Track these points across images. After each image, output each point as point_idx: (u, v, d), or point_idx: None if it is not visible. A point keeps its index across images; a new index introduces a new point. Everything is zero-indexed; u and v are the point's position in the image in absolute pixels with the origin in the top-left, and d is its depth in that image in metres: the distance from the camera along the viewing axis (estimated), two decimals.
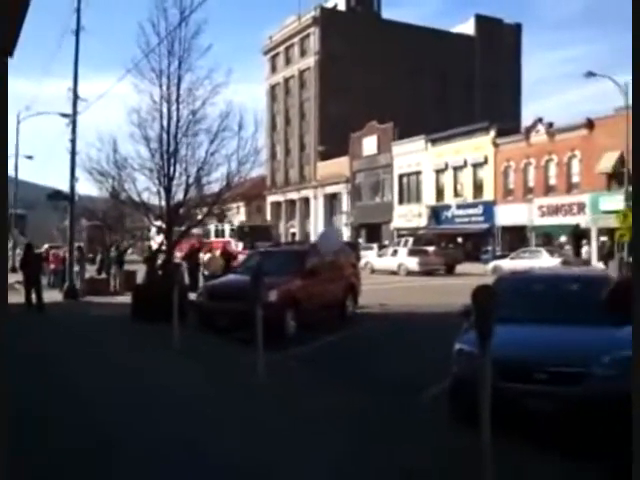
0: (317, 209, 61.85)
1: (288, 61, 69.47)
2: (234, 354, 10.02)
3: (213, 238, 39.98)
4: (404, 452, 5.43)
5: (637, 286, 3.30)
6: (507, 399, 5.66)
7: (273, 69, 72.11)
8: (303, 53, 66.62)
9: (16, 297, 18.94)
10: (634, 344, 3.04)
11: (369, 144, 53.79)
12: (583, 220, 35.85)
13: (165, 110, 15.05)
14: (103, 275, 23.81)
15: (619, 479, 4.73)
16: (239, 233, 41.28)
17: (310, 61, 64.88)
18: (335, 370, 9.16)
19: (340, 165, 56.97)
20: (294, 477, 4.94)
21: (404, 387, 7.85)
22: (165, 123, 15.06)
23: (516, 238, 39.64)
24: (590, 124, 35.35)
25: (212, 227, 41.40)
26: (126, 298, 16.87)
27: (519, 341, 6.21)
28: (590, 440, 5.65)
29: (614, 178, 33.61)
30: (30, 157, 41.91)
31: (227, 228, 42.14)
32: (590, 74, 30.68)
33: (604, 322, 6.36)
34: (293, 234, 64.41)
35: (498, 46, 68.45)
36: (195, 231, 23.87)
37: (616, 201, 30.59)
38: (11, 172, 42.65)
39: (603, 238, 34.48)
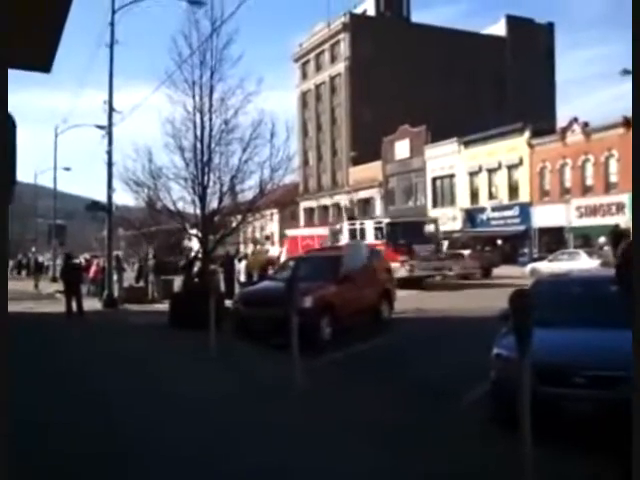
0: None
1: (318, 67, 69.75)
2: (270, 360, 10.08)
3: (347, 239, 28.81)
4: (445, 457, 5.40)
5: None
6: (545, 403, 5.60)
7: (304, 76, 72.48)
8: (333, 59, 66.81)
9: (57, 306, 19.42)
10: (634, 343, 2.98)
11: (401, 148, 53.63)
12: (622, 220, 35.08)
13: (198, 120, 15.28)
14: (141, 283, 24.20)
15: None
16: (389, 233, 27.28)
17: (340, 67, 65.03)
18: (370, 375, 9.16)
19: (372, 170, 56.91)
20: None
21: (442, 393, 7.80)
22: (199, 133, 15.28)
23: (554, 240, 39.01)
24: (627, 122, 34.60)
25: (345, 226, 32.05)
26: (164, 306, 17.12)
27: (557, 345, 6.14)
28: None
29: None
30: (68, 169, 42.97)
31: (370, 226, 29.15)
32: (626, 72, 30.09)
33: None
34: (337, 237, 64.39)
35: (530, 46, 67.57)
36: (317, 231, 23.86)
37: None
38: (50, 183, 43.77)
39: None
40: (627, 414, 5.48)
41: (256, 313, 12.16)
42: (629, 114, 28.62)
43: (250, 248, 33.53)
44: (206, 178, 15.30)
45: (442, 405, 7.22)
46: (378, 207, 56.87)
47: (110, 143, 20.75)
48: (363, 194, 59.44)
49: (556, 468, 4.88)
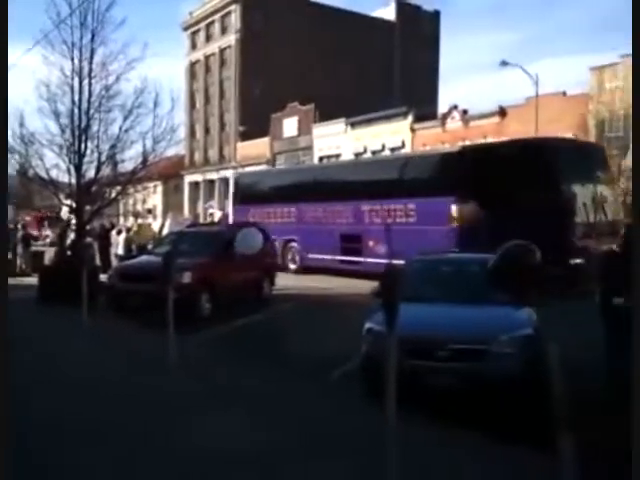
0: None
1: (209, 38, 68.05)
2: (144, 337, 9.84)
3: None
4: (312, 424, 5.54)
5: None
6: (412, 376, 5.87)
7: (193, 46, 70.46)
8: (224, 30, 65.41)
9: None
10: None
11: (290, 125, 53.64)
12: None
13: (76, 84, 14.47)
14: (9, 255, 22.74)
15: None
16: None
17: (231, 39, 63.81)
18: (247, 350, 9.19)
19: (261, 146, 56.57)
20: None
21: (315, 366, 7.97)
22: (76, 98, 14.48)
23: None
24: (502, 112, 36.65)
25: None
26: (33, 280, 16.21)
27: (425, 320, 6.44)
28: (493, 417, 5.95)
29: None
30: None
31: None
32: (504, 63, 31.78)
33: (505, 303, 6.69)
34: (212, 214, 63.46)
35: (417, 32, 69.58)
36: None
37: None
38: None
39: None
40: (488, 385, 5.88)
41: (132, 288, 11.81)
42: (505, 104, 29.72)
43: (131, 221, 32.42)
44: (83, 146, 14.56)
45: (312, 377, 7.39)
46: None
47: None
48: (251, 170, 58.94)
49: (418, 439, 5.11)
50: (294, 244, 21.99)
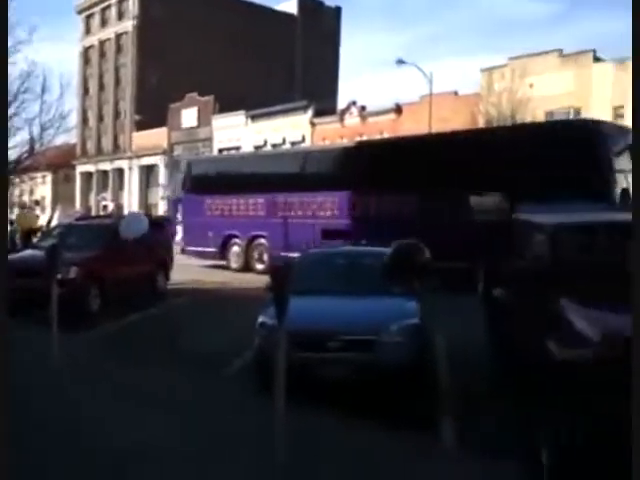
0: (132, 181, 59.37)
1: (104, 23, 65.33)
2: (28, 336, 9.30)
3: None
4: (205, 420, 5.46)
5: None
6: (304, 368, 5.92)
7: (87, 30, 67.42)
8: (121, 16, 63.04)
9: None
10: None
11: (189, 116, 52.56)
12: None
13: None
14: None
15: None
16: None
17: (128, 25, 61.62)
18: (140, 347, 8.93)
19: (158, 136, 55.05)
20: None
21: (209, 361, 7.86)
22: None
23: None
24: (398, 109, 37.66)
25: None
26: None
27: (317, 312, 6.52)
28: (385, 404, 6.10)
29: None
30: None
31: None
32: (400, 61, 32.64)
33: (394, 293, 6.90)
34: (105, 207, 61.20)
35: (318, 27, 70.12)
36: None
37: None
38: None
39: None
40: (380, 374, 6.01)
41: (14, 284, 11.12)
42: (401, 101, 30.44)
43: (16, 213, 30.65)
44: None
45: (206, 373, 7.29)
46: (162, 175, 55.33)
47: None
48: (146, 161, 57.35)
49: (307, 430, 5.16)
50: (262, 241, 19.25)
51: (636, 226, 3.42)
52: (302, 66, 68.69)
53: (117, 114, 63.59)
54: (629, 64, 27.81)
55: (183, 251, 21.44)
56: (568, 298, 4.85)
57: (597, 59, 29.37)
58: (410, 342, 6.17)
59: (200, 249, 20.84)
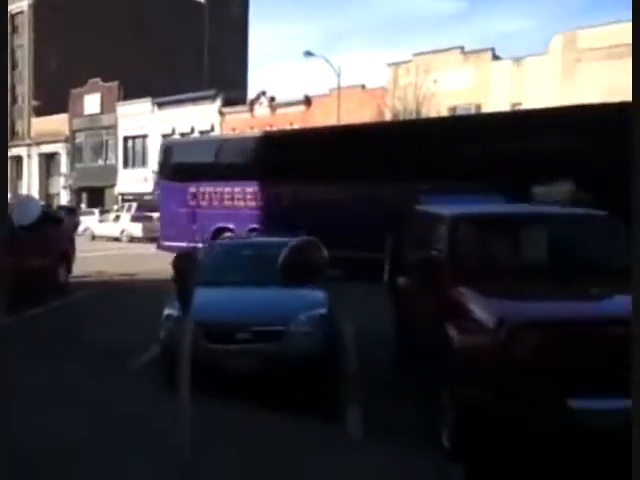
0: (31, 169, 56.51)
1: None
2: None
3: None
4: (112, 418, 5.34)
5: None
6: (212, 360, 5.90)
7: None
8: None
9: None
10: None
11: (91, 102, 50.51)
12: None
13: None
14: None
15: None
16: None
17: (24, 4, 58.33)
18: (41, 342, 8.58)
19: (58, 122, 52.58)
20: None
21: (115, 355, 7.67)
22: None
23: None
24: (308, 101, 37.83)
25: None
26: None
27: (224, 303, 6.50)
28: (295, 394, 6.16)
29: None
30: None
31: None
32: (309, 53, 32.77)
33: (301, 285, 6.96)
34: None
35: (226, 15, 69.14)
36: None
37: None
38: None
39: None
40: (289, 364, 6.06)
41: None
42: (310, 93, 30.55)
43: None
44: None
45: (111, 368, 7.12)
46: (64, 163, 53.00)
47: None
48: (47, 148, 54.71)
49: (213, 424, 5.15)
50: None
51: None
52: (210, 54, 67.51)
53: (14, 99, 60.15)
54: (525, 62, 29.27)
55: (159, 246, 19.35)
56: (466, 286, 5.09)
57: (496, 57, 30.65)
58: (318, 332, 6.27)
59: (181, 244, 16.65)
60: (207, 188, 18.33)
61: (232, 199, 17.85)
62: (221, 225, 17.83)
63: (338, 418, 5.67)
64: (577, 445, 4.43)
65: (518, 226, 5.96)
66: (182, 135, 42.97)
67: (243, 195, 17.57)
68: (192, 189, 18.67)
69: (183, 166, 19.39)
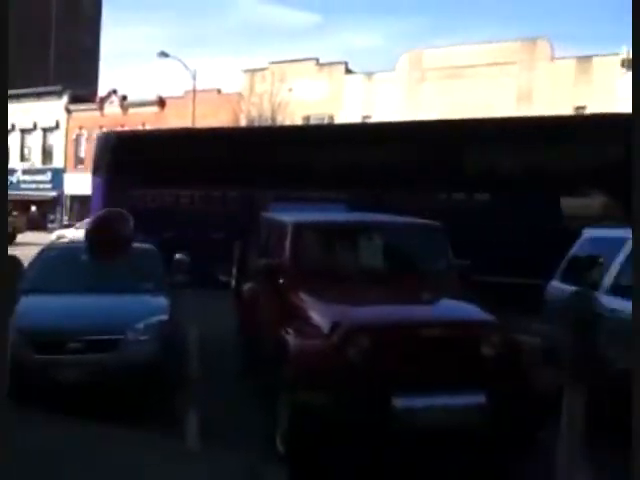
0: None
1: None
2: None
3: None
4: None
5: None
6: (42, 372, 5.54)
7: None
8: None
9: None
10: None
11: None
12: None
13: None
14: None
15: None
16: None
17: None
18: None
19: None
20: None
21: None
22: None
23: (86, 208, 38.97)
24: (162, 102, 36.93)
25: None
26: None
27: (55, 311, 6.10)
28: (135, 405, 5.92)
29: None
30: None
31: None
32: (163, 54, 31.94)
33: (141, 291, 6.72)
34: None
35: (77, 12, 65.87)
36: None
37: None
38: None
39: None
40: (125, 374, 5.77)
41: None
42: (164, 94, 29.80)
43: None
44: None
45: None
46: None
47: None
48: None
49: (37, 439, 4.84)
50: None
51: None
52: (59, 51, 63.79)
53: None
54: (376, 77, 30.52)
55: None
56: (304, 292, 5.19)
57: (349, 71, 31.79)
58: (157, 339, 6.07)
59: None
60: (164, 195, 15.57)
61: (193, 205, 15.28)
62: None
63: (176, 427, 5.54)
64: (407, 444, 4.58)
65: (354, 234, 6.18)
66: (23, 132, 40.26)
67: (207, 201, 15.09)
68: (138, 192, 15.26)
69: (132, 165, 15.57)
